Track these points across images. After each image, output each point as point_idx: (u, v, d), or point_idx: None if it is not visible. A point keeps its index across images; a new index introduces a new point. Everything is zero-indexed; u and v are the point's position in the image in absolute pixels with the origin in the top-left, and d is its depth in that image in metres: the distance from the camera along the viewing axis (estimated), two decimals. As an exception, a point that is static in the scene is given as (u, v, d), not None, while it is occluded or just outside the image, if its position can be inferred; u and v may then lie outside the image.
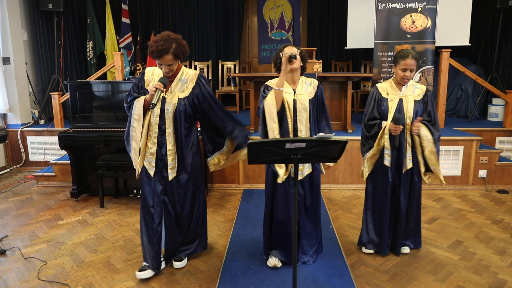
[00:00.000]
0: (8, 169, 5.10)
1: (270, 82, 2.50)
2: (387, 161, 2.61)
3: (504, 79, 5.65)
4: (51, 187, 4.41)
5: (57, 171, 4.43)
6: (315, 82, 2.54)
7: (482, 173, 4.24)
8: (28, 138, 5.09)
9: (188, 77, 2.43)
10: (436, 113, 2.64)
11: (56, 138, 4.11)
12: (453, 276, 2.51)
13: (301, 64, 2.46)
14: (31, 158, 5.13)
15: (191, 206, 2.56)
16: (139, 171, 2.47)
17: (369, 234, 2.79)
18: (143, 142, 2.40)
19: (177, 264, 2.62)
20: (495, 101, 5.45)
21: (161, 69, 2.36)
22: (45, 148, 5.05)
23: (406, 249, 2.81)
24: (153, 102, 2.25)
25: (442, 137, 4.18)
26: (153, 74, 2.44)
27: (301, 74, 2.53)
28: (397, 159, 2.62)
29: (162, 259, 2.59)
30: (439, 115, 4.85)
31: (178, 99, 2.38)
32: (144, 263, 2.54)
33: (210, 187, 4.19)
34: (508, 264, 2.66)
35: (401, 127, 2.51)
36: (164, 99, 2.38)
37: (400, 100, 2.59)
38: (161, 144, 2.41)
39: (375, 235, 2.77)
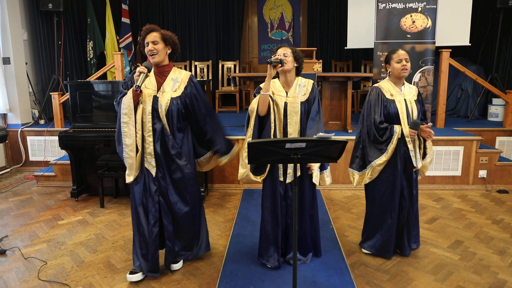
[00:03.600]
0: (8, 169, 5.10)
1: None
2: (415, 163, 2.58)
3: (504, 79, 5.65)
4: (51, 187, 4.41)
5: (57, 171, 4.43)
6: (310, 82, 2.47)
7: (482, 173, 4.24)
8: (28, 138, 5.09)
9: (180, 76, 2.42)
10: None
11: (56, 138, 4.11)
12: (453, 276, 2.51)
13: (296, 65, 2.42)
14: (31, 158, 5.13)
15: (187, 204, 2.48)
16: (137, 172, 2.38)
17: (374, 239, 2.73)
18: (139, 142, 2.35)
19: (174, 266, 2.57)
20: (495, 101, 5.45)
21: (145, 53, 2.35)
22: (45, 148, 5.05)
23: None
24: (137, 84, 2.19)
25: (442, 137, 4.25)
26: None
27: (297, 75, 2.48)
28: (405, 160, 2.58)
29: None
30: (439, 115, 4.86)
31: (171, 98, 2.35)
32: (135, 267, 2.46)
33: (210, 187, 4.18)
34: (508, 264, 2.66)
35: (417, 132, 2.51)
36: (156, 98, 2.35)
37: (405, 101, 2.57)
38: (155, 143, 2.36)
39: (380, 240, 2.69)
